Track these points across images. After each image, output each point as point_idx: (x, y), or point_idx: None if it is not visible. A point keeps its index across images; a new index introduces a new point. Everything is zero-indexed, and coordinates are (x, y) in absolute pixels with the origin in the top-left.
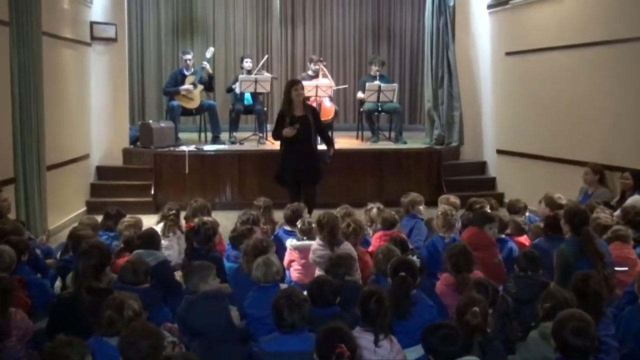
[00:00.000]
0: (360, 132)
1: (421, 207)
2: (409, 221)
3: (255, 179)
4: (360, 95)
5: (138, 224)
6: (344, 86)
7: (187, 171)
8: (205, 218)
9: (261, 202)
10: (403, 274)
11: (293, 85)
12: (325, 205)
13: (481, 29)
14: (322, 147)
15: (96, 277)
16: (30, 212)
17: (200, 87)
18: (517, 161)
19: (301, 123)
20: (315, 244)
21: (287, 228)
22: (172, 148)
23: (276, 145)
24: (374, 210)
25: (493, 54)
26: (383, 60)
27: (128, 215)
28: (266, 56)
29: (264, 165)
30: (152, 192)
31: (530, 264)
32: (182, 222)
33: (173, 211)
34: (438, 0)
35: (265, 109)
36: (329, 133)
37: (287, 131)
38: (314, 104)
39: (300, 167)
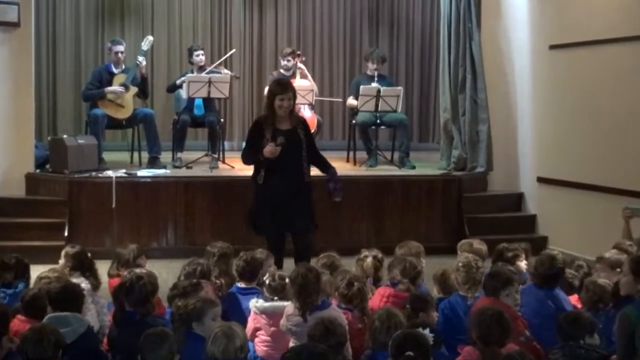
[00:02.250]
0: (352, 153)
1: (422, 262)
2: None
3: (208, 216)
4: (351, 102)
5: (63, 278)
6: (336, 99)
7: (114, 205)
8: (140, 270)
9: (216, 249)
10: (410, 353)
11: (280, 90)
12: None
13: (516, 14)
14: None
15: None
16: None
17: (134, 89)
18: (565, 193)
19: (288, 140)
20: (290, 306)
21: (242, 285)
22: (94, 173)
23: (241, 170)
24: (369, 260)
25: (532, 47)
26: (384, 56)
27: (49, 269)
28: (232, 50)
29: (219, 198)
30: (66, 233)
31: (576, 329)
32: (100, 270)
33: (76, 250)
34: None
35: (222, 120)
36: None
37: (269, 150)
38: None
39: (288, 206)
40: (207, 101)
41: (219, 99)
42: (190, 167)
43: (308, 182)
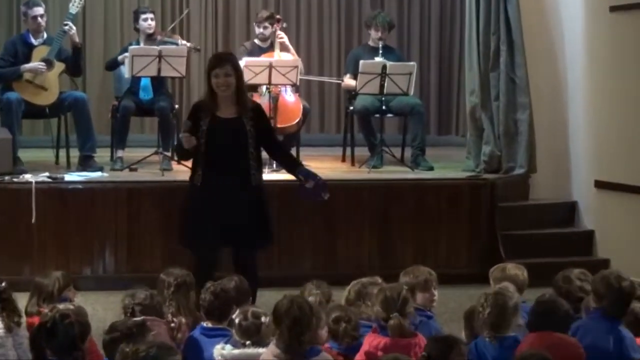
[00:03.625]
0: (349, 150)
1: (434, 293)
2: (412, 319)
3: (159, 233)
4: (348, 82)
5: None
6: (328, 79)
7: (33, 220)
8: (66, 306)
9: (172, 278)
10: None
11: (216, 64)
12: (284, 281)
13: None
14: (273, 176)
15: None
16: None
17: (61, 66)
18: (633, 202)
19: (229, 132)
20: (267, 353)
21: (208, 325)
22: (7, 178)
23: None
24: (368, 289)
25: (588, 9)
26: (391, 21)
27: None
28: (186, 10)
29: (174, 210)
30: None
31: None
32: (22, 310)
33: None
34: None
35: (176, 106)
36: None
37: (184, 139)
38: (262, 99)
39: (226, 214)
40: (157, 82)
41: (173, 78)
42: (135, 169)
43: (257, 186)
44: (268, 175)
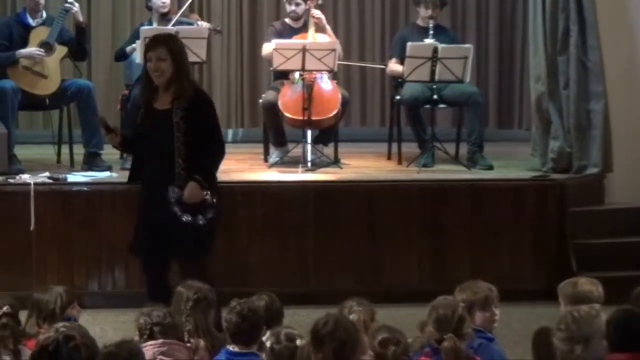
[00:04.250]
0: (395, 146)
1: (495, 312)
2: (469, 341)
3: None
4: (394, 67)
5: None
6: (370, 64)
7: (32, 226)
8: (70, 326)
9: (192, 291)
10: None
11: (149, 46)
12: (320, 298)
13: None
14: (306, 176)
15: None
16: None
17: (63, 50)
18: None
19: (157, 124)
20: None
21: (235, 349)
22: (1, 178)
23: (228, 173)
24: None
25: None
26: None
27: None
28: None
29: None
30: None
31: None
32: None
33: (4, 310)
34: None
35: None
36: (214, 149)
37: (107, 137)
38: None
39: (153, 218)
40: None
41: (192, 64)
42: None
43: (182, 187)
44: (300, 176)
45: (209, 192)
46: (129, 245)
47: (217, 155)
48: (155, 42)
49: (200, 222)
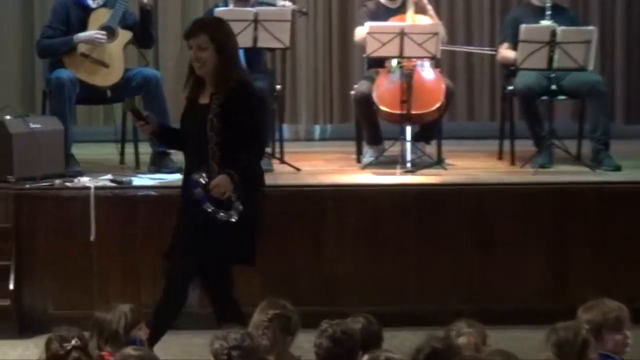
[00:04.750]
0: (507, 144)
1: (627, 335)
2: None
3: (258, 253)
4: (506, 53)
5: None
6: (478, 50)
7: (93, 237)
8: (135, 349)
9: (271, 309)
10: None
11: (188, 34)
12: (422, 318)
13: None
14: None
15: None
16: None
17: (126, 35)
18: None
19: (194, 121)
20: None
21: None
22: (57, 182)
23: (314, 175)
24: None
25: None
26: None
27: None
28: None
29: (277, 221)
30: (12, 285)
31: None
32: None
33: (73, 343)
34: None
35: (277, 87)
36: (251, 145)
37: (139, 126)
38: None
39: (190, 224)
40: (253, 55)
41: (273, 50)
42: None
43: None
44: (399, 178)
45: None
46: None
47: (253, 150)
48: (195, 28)
49: (232, 218)
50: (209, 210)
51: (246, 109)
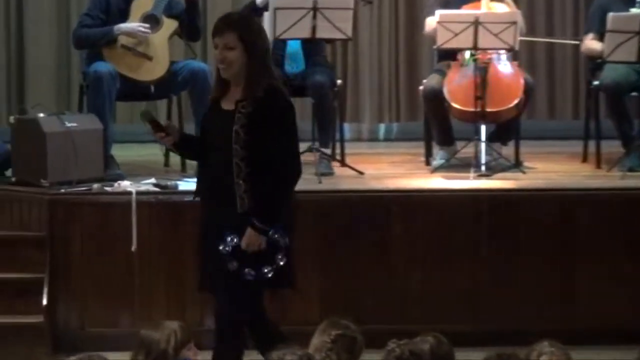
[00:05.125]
0: (592, 145)
1: None
2: None
3: (317, 265)
4: (591, 45)
5: None
6: (561, 40)
7: (134, 247)
8: None
9: (333, 332)
10: None
11: (215, 31)
12: (493, 337)
13: None
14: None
15: None
16: None
17: (171, 25)
18: None
19: (217, 131)
20: None
21: None
22: (96, 186)
23: (380, 179)
24: None
25: None
26: None
27: None
28: None
29: (333, 232)
30: (45, 300)
31: None
32: None
33: None
34: None
35: (338, 82)
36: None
37: (158, 135)
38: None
39: (208, 247)
40: (311, 47)
41: (333, 42)
42: None
43: (244, 215)
44: (472, 183)
45: (275, 232)
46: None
47: (284, 182)
48: (222, 25)
49: (268, 275)
50: (249, 275)
51: (277, 119)
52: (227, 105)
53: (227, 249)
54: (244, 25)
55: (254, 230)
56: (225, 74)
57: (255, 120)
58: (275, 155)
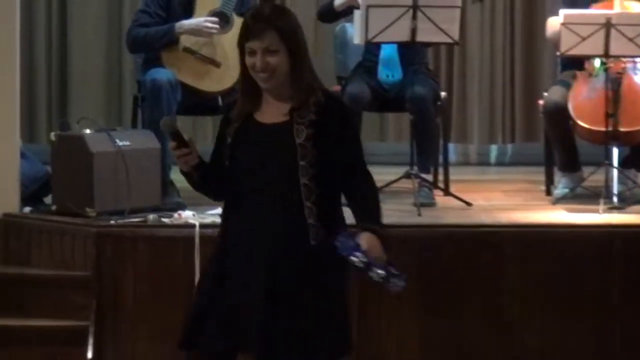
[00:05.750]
0: None
1: None
2: None
3: (414, 312)
4: None
5: None
6: None
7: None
8: None
9: None
10: None
11: (250, 32)
12: None
13: None
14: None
15: None
16: None
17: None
18: None
19: (269, 147)
20: None
21: None
22: (152, 217)
23: (489, 210)
24: None
25: None
26: None
27: None
28: None
29: (445, 274)
30: (90, 353)
31: None
32: None
33: None
34: None
35: (442, 94)
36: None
37: (177, 155)
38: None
39: (261, 298)
40: (410, 52)
41: (437, 45)
42: None
43: (319, 250)
44: (602, 217)
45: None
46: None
47: (376, 193)
48: (260, 25)
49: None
50: (381, 279)
51: (350, 128)
52: (271, 117)
53: (357, 250)
54: (284, 20)
55: (377, 238)
56: (268, 84)
57: (322, 130)
58: (355, 166)
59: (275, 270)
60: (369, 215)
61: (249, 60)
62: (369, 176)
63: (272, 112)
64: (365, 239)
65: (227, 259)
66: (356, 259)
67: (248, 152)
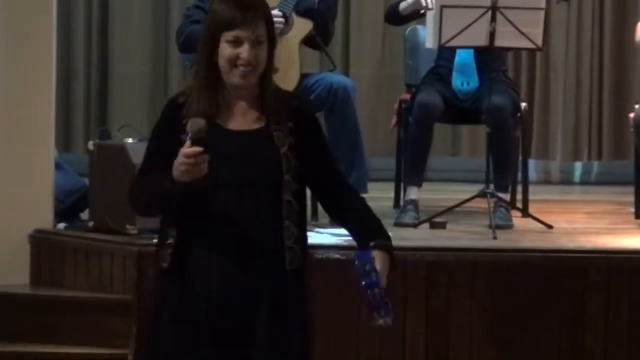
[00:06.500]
0: None
1: None
2: None
3: (488, 344)
4: None
5: None
6: None
7: None
8: None
9: None
10: None
11: (237, 18)
12: None
13: None
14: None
15: None
16: None
17: (304, 26)
18: None
19: (243, 158)
20: None
21: None
22: None
23: (571, 234)
24: None
25: None
26: None
27: None
28: None
29: (522, 303)
30: None
31: None
32: None
33: None
34: None
35: (522, 105)
36: None
37: (181, 162)
38: None
39: (234, 329)
40: (487, 58)
41: (517, 51)
42: (443, 227)
43: (296, 274)
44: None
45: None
46: None
47: (368, 204)
48: (250, 10)
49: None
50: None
51: (323, 135)
52: (241, 123)
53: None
54: (269, 12)
55: (389, 257)
56: (245, 80)
57: (302, 139)
58: (340, 178)
59: (253, 299)
60: (375, 229)
61: (228, 50)
62: (352, 187)
63: (239, 116)
64: (379, 260)
65: (186, 292)
66: (370, 291)
67: (218, 165)
